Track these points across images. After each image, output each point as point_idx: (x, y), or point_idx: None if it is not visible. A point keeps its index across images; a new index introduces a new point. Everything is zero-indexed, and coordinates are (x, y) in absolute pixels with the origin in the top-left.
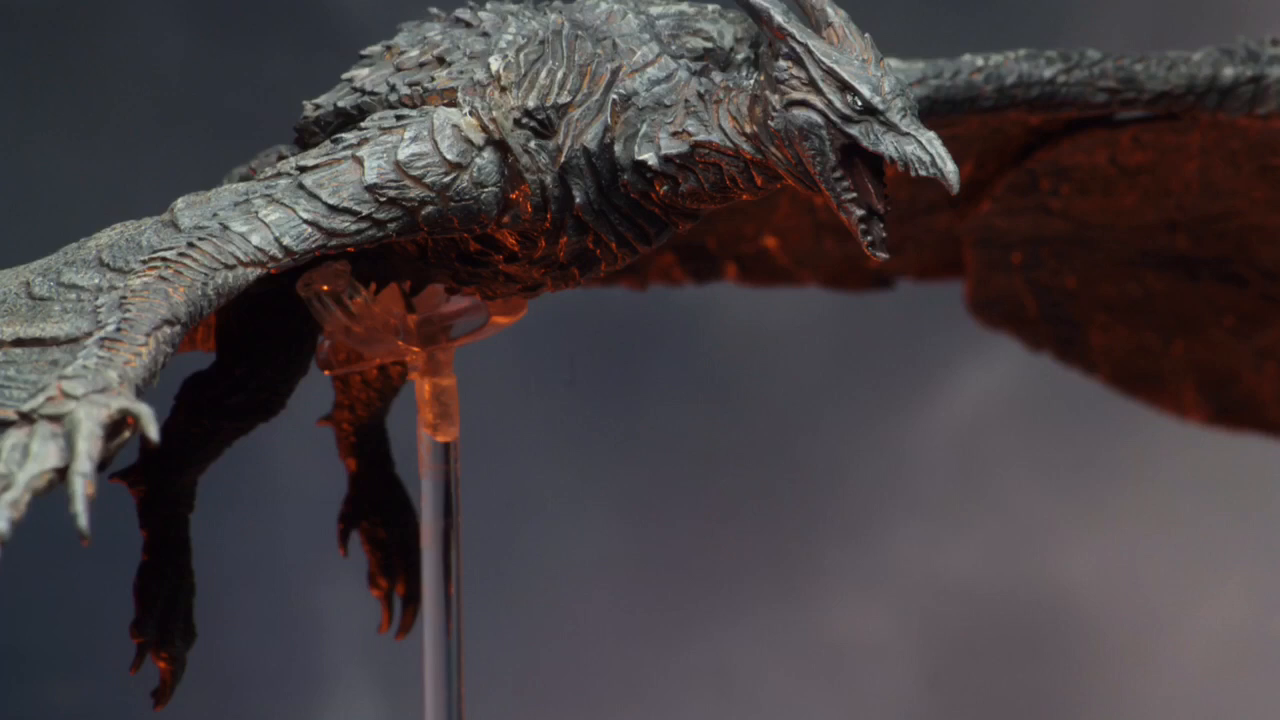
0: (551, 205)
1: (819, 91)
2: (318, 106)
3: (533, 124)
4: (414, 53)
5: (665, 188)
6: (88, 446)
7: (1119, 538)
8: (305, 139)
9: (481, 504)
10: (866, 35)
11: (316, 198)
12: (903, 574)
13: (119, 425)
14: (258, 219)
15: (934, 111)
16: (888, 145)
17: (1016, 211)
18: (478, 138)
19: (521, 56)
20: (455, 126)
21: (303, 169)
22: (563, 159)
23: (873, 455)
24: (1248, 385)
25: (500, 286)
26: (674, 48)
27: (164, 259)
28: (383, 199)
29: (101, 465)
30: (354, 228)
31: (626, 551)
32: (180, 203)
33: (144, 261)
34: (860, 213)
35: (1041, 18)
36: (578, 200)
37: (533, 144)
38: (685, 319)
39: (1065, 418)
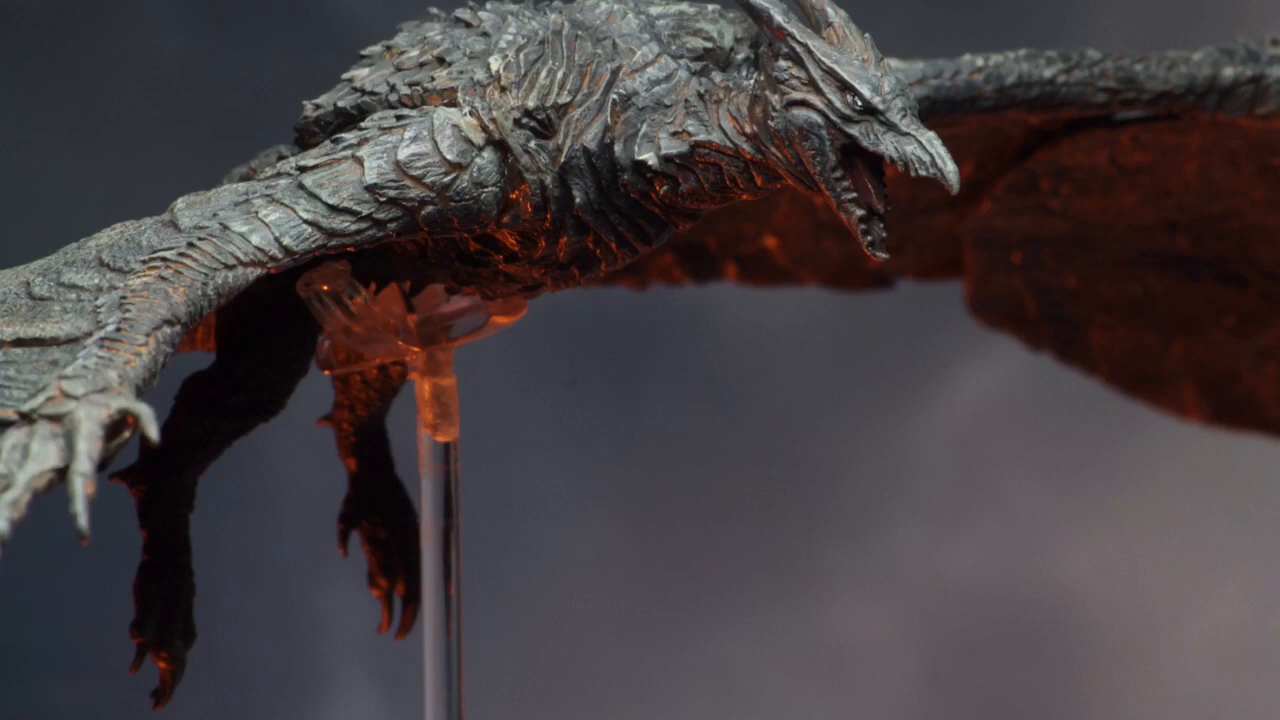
0: (551, 205)
1: (819, 91)
2: (318, 106)
3: (533, 124)
4: (414, 53)
5: (665, 188)
6: (88, 446)
7: (1119, 538)
8: (305, 139)
9: (481, 504)
10: (866, 35)
11: (316, 198)
12: (903, 574)
13: (119, 425)
14: (258, 219)
15: (934, 111)
16: (888, 145)
17: (1016, 211)
18: (478, 138)
19: (521, 56)
20: (455, 126)
21: (303, 169)
22: (563, 159)
23: (873, 455)
24: (1248, 385)
25: (500, 286)
26: (674, 48)
27: (164, 259)
28: (383, 199)
29: (101, 465)
30: (354, 228)
31: (626, 551)
32: (180, 203)
33: (144, 261)
34: (860, 213)
35: (1041, 18)
36: (578, 200)
37: (533, 144)
38: (685, 319)
39: (1065, 418)
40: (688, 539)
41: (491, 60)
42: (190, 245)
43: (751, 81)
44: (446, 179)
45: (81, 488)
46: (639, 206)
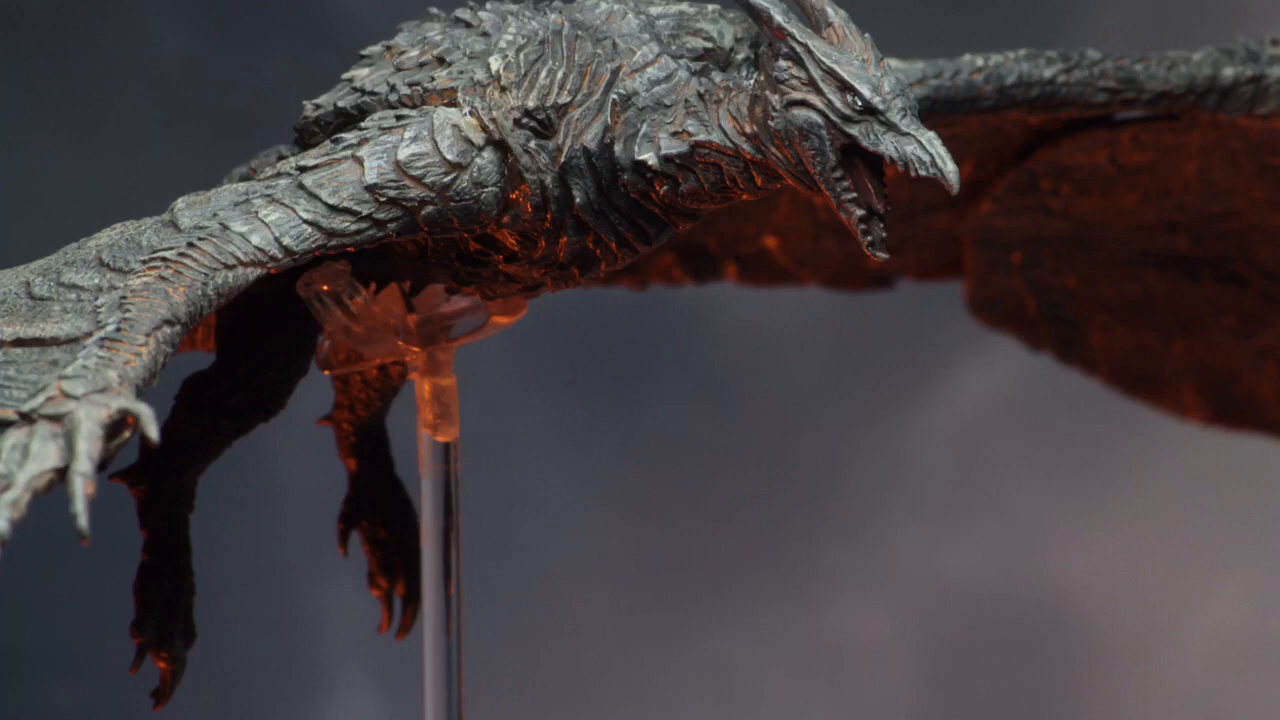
0: (551, 205)
1: (819, 91)
2: (318, 106)
3: (533, 124)
4: (414, 53)
5: (665, 188)
6: (88, 446)
7: (1119, 538)
8: (305, 139)
9: (481, 504)
10: (866, 35)
11: (316, 198)
12: (903, 574)
13: (119, 425)
14: (258, 219)
15: (934, 111)
16: (888, 145)
17: (1016, 211)
18: (478, 138)
19: (521, 56)
20: (455, 126)
21: (303, 169)
22: (563, 159)
23: (873, 455)
24: (1248, 385)
25: (500, 286)
26: (674, 48)
27: (164, 259)
28: (383, 199)
29: (101, 465)
30: (354, 228)
31: (626, 551)
32: (180, 203)
33: (144, 261)
34: (860, 213)
35: (1041, 18)
36: (578, 200)
37: (533, 144)
38: (685, 319)
39: (1065, 418)
40: (688, 539)
41: (491, 60)
42: (190, 245)
43: (751, 81)
44: (446, 179)
45: (81, 488)
46: (639, 206)
